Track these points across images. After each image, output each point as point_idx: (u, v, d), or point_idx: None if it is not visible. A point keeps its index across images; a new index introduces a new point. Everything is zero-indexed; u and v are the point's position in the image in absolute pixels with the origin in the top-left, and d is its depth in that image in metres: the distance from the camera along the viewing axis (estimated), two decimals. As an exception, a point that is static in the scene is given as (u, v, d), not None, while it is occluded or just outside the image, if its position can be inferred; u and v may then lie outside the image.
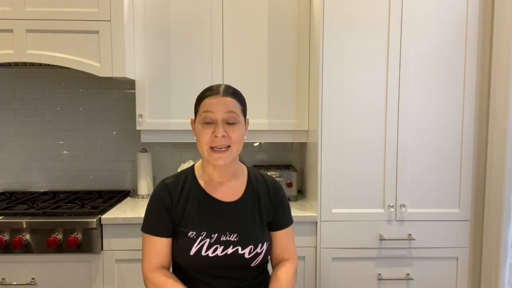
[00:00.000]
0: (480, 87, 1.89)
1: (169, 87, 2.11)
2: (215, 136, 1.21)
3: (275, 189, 1.36)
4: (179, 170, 2.09)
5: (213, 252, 1.24)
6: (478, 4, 1.82)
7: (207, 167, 1.31)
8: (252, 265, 1.28)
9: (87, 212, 1.88)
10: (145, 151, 2.30)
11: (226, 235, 1.26)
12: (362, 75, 1.82)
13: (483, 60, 1.87)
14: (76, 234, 1.80)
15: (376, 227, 1.86)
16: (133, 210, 1.97)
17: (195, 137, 1.29)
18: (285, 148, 2.49)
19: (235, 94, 1.27)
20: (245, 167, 1.39)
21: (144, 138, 2.14)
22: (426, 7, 1.81)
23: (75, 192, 2.33)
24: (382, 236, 1.86)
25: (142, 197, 2.26)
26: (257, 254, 1.27)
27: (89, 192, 2.33)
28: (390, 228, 1.86)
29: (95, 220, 1.82)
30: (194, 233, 1.26)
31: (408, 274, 1.88)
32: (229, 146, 1.23)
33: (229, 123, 1.23)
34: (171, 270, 1.35)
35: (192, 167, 1.37)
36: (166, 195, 1.29)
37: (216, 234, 1.26)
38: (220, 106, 1.22)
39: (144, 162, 2.27)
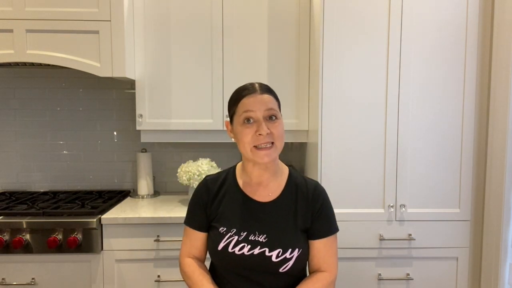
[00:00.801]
0: (480, 87, 1.89)
1: (169, 87, 2.11)
2: (259, 134, 1.20)
3: (315, 194, 1.30)
4: (179, 170, 2.11)
5: (240, 250, 1.23)
6: (478, 4, 1.82)
7: (247, 166, 1.30)
8: (280, 270, 1.22)
9: (87, 212, 1.88)
10: (145, 151, 2.30)
11: (255, 235, 1.24)
12: (362, 75, 1.82)
13: (483, 60, 1.87)
14: (76, 234, 1.80)
15: (376, 227, 1.86)
16: (133, 210, 1.97)
17: (233, 139, 1.29)
18: (285, 148, 2.46)
19: (270, 90, 1.27)
20: (287, 168, 1.37)
21: (144, 138, 2.14)
22: (426, 7, 1.81)
23: (75, 192, 2.33)
24: (382, 236, 1.86)
25: (142, 197, 2.26)
26: (286, 260, 1.22)
27: (89, 192, 2.33)
28: (390, 228, 1.86)
29: (95, 220, 1.82)
30: (225, 229, 1.26)
31: (408, 274, 1.88)
32: (272, 142, 1.23)
33: (270, 120, 1.22)
34: (206, 263, 1.36)
35: (234, 167, 1.38)
36: (204, 191, 1.33)
37: (245, 233, 1.25)
38: (259, 105, 1.21)
39: (144, 162, 2.27)
